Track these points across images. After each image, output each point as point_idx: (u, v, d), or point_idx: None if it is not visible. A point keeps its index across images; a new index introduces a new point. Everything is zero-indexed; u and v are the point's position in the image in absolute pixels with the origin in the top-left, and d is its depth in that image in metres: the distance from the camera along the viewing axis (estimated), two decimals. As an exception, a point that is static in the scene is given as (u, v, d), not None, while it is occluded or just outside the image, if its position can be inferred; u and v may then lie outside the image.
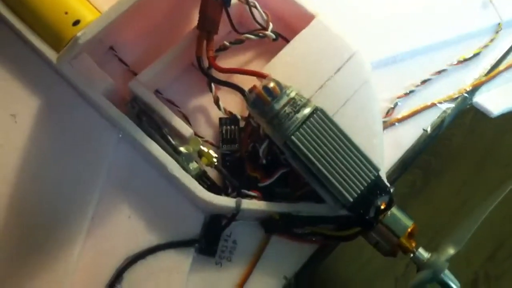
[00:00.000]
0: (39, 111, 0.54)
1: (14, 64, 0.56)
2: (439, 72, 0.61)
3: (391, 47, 0.61)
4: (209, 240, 0.53)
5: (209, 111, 0.57)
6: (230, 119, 0.56)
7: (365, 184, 0.49)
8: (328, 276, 1.03)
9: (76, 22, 0.54)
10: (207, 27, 0.54)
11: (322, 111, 0.50)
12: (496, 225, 1.06)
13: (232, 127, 0.56)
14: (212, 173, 0.54)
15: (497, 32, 0.64)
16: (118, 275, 0.51)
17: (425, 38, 0.62)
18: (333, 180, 0.49)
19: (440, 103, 0.60)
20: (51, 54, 0.54)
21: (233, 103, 0.57)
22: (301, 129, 0.49)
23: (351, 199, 0.49)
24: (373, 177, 0.49)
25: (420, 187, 1.12)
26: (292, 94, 0.50)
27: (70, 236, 0.52)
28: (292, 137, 0.49)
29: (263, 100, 0.50)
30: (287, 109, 0.50)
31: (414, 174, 1.12)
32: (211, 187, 0.52)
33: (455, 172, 1.15)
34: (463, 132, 1.14)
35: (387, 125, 0.58)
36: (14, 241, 0.52)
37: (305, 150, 0.49)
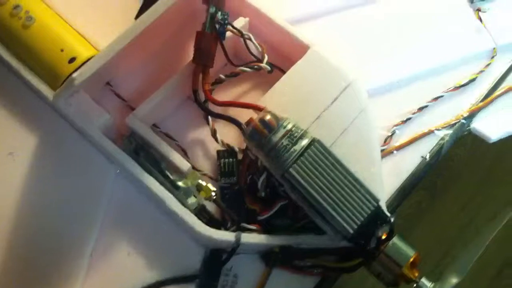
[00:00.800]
0: (37, 149, 0.54)
1: (11, 102, 0.57)
2: (436, 99, 0.61)
3: (386, 74, 0.61)
4: (209, 275, 0.52)
5: (206, 144, 0.57)
6: (227, 151, 0.56)
7: (365, 215, 0.49)
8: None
9: (72, 59, 0.54)
10: (202, 61, 0.55)
11: (319, 142, 0.50)
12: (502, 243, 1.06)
13: (230, 159, 0.55)
14: (210, 206, 0.53)
15: (492, 57, 0.64)
16: (119, 313, 0.51)
17: (420, 64, 0.62)
18: (333, 212, 0.48)
19: (438, 129, 0.60)
20: (47, 91, 0.54)
21: (230, 135, 0.57)
22: (298, 161, 0.49)
23: (351, 231, 0.48)
24: (373, 208, 0.49)
25: (425, 208, 1.13)
26: (289, 126, 0.50)
27: (70, 273, 0.51)
28: (290, 169, 0.49)
29: (260, 133, 0.50)
30: (284, 141, 0.49)
31: (419, 195, 1.13)
32: (210, 221, 0.52)
33: (460, 191, 1.16)
34: (466, 152, 1.15)
35: (385, 153, 0.58)
36: (14, 278, 0.52)
37: (303, 182, 0.48)
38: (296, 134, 0.50)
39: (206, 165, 0.56)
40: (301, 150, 0.49)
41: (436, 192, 1.14)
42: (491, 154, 1.18)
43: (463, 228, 1.12)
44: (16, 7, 0.56)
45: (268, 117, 0.50)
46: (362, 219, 0.49)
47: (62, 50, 0.55)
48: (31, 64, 0.55)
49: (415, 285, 0.50)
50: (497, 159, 1.18)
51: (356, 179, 0.49)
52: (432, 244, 1.04)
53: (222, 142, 0.56)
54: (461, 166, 1.16)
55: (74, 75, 0.42)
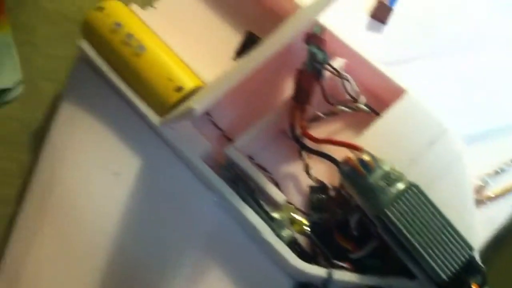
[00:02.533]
0: (140, 171, 0.57)
1: (118, 125, 0.59)
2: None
3: (481, 123, 0.61)
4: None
5: (299, 179, 0.59)
6: (320, 187, 0.57)
7: (459, 263, 0.49)
8: None
9: (179, 89, 0.57)
10: (302, 98, 0.57)
11: (417, 186, 0.50)
12: None
13: (322, 195, 0.57)
14: (302, 240, 0.54)
15: None
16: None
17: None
18: (427, 257, 0.49)
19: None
20: (154, 117, 0.57)
21: (322, 171, 0.58)
22: (395, 203, 0.50)
23: (445, 277, 0.48)
24: (467, 256, 0.49)
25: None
26: (387, 168, 0.51)
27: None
28: (386, 211, 0.49)
29: (358, 172, 0.51)
30: (381, 183, 0.50)
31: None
32: (302, 254, 0.53)
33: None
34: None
35: (477, 203, 0.58)
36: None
37: (399, 225, 0.49)
38: (393, 176, 0.51)
39: (297, 199, 0.58)
40: (398, 193, 0.50)
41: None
42: None
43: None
44: (129, 36, 0.59)
45: (366, 157, 0.51)
46: (456, 266, 0.49)
47: (170, 80, 0.57)
48: (139, 91, 0.58)
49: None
50: None
51: (451, 226, 0.50)
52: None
53: (315, 178, 0.57)
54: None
55: (195, 106, 0.44)
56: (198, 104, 0.44)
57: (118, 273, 0.54)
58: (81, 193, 0.57)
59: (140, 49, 0.59)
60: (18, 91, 0.69)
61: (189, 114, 0.45)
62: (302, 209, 0.57)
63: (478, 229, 0.53)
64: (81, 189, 0.57)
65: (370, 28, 0.68)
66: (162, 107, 0.57)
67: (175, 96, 0.57)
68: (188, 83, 0.58)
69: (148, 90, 0.58)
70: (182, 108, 0.53)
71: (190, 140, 0.56)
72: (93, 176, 0.58)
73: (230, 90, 0.50)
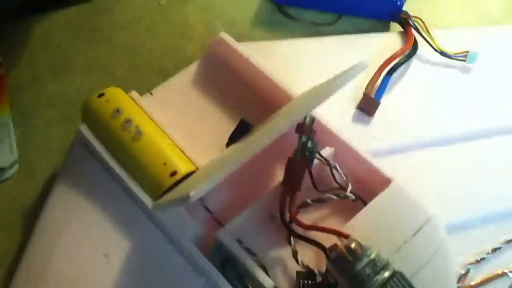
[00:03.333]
0: (130, 253, 0.58)
1: (111, 207, 0.61)
2: (510, 241, 0.63)
3: (463, 212, 0.64)
4: None
5: (287, 264, 0.60)
6: (307, 273, 0.58)
7: None
8: None
9: (174, 173, 0.59)
10: (291, 185, 0.59)
11: (401, 274, 0.52)
12: None
13: (309, 281, 0.57)
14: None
15: None
16: None
17: (497, 204, 0.65)
18: None
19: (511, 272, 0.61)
20: (147, 200, 0.59)
21: (309, 257, 0.59)
22: (381, 291, 0.51)
23: None
24: None
25: None
26: (373, 256, 0.52)
27: None
28: (372, 298, 0.50)
29: (345, 259, 0.52)
30: (367, 270, 0.52)
31: None
32: None
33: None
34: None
35: (460, 292, 0.59)
36: None
37: (384, 312, 0.50)
38: (379, 264, 0.52)
39: (284, 285, 0.58)
40: (384, 281, 0.51)
41: None
42: None
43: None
44: (128, 121, 0.62)
45: (353, 244, 0.53)
46: None
47: (165, 164, 0.60)
48: (134, 174, 0.60)
49: None
50: None
51: (436, 315, 0.51)
52: None
53: (302, 263, 0.58)
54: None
55: (191, 193, 0.46)
56: (194, 191, 0.46)
57: None
58: (72, 275, 0.58)
59: (138, 134, 0.61)
60: (13, 170, 0.71)
61: (184, 200, 0.47)
62: (290, 294, 0.58)
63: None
64: (72, 270, 0.58)
65: (357, 119, 0.72)
66: (156, 191, 0.59)
67: (170, 181, 0.59)
68: (183, 168, 0.60)
69: (144, 174, 0.60)
70: (176, 193, 0.55)
71: (181, 223, 0.58)
72: (84, 256, 0.59)
73: (224, 178, 0.52)
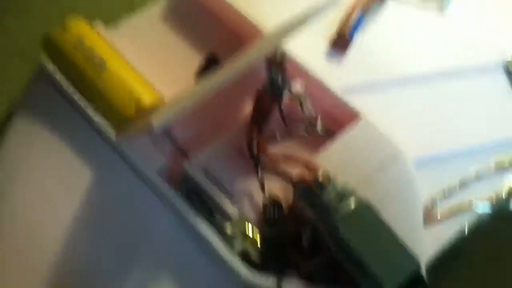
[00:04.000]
0: (95, 185, 0.57)
1: (74, 140, 0.60)
2: (477, 177, 0.63)
3: (432, 149, 0.64)
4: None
5: (253, 195, 0.59)
6: (274, 203, 0.58)
7: (406, 275, 0.50)
8: None
9: (138, 103, 0.58)
10: (259, 118, 0.58)
11: (368, 204, 0.52)
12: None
13: (276, 211, 0.57)
14: (253, 253, 0.55)
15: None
16: None
17: (465, 140, 0.65)
18: (376, 270, 0.49)
19: (478, 206, 0.62)
20: (111, 131, 0.57)
21: (276, 189, 0.59)
22: (346, 220, 0.51)
23: (393, 289, 0.49)
24: (413, 269, 0.50)
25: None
26: (340, 187, 0.52)
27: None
28: (338, 227, 0.50)
29: (312, 191, 0.52)
30: (334, 201, 0.51)
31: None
32: (252, 266, 0.53)
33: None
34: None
35: (426, 223, 0.59)
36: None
37: (349, 240, 0.50)
38: (346, 194, 0.52)
39: (252, 215, 0.58)
40: (350, 210, 0.51)
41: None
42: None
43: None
44: (91, 52, 0.60)
45: (321, 176, 0.52)
46: (402, 278, 0.49)
47: (130, 93, 0.58)
48: (98, 105, 0.59)
49: None
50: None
51: (400, 241, 0.51)
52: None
53: (270, 194, 0.58)
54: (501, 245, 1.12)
55: (154, 122, 0.45)
56: (156, 120, 0.45)
57: (69, 284, 0.53)
58: (34, 206, 0.57)
59: (102, 65, 0.59)
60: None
61: (147, 129, 0.46)
62: (256, 223, 0.57)
63: (426, 246, 0.54)
64: (34, 202, 0.57)
65: (330, 57, 0.70)
66: (121, 121, 0.57)
67: (134, 110, 0.57)
68: (147, 98, 0.59)
69: (108, 104, 0.58)
70: (140, 123, 0.54)
71: (146, 156, 0.57)
72: (46, 189, 0.58)
73: (190, 109, 0.51)
